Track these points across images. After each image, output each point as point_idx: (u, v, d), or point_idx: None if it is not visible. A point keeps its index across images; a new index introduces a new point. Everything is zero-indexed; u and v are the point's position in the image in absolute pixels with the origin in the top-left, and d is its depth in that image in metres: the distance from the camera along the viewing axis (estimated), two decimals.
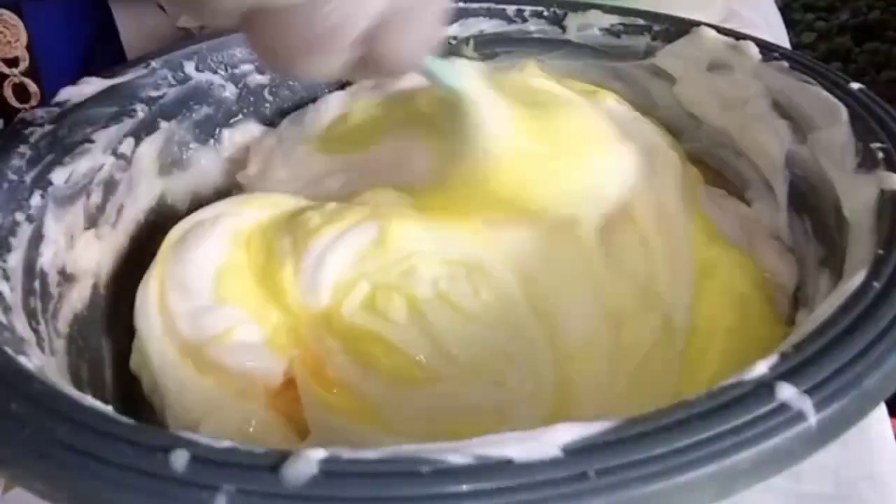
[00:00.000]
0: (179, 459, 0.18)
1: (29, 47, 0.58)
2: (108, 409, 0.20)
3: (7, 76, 0.58)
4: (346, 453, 0.18)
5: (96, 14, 0.61)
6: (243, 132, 0.42)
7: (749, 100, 0.36)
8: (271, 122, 0.43)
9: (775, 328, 0.30)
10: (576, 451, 0.18)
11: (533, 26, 0.43)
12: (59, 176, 0.32)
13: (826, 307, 0.23)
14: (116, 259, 0.35)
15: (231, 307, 0.30)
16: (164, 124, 0.38)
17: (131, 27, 0.61)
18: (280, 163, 0.39)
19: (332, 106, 0.40)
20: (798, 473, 0.31)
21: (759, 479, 0.19)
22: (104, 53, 0.61)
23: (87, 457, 0.18)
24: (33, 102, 0.53)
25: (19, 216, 0.30)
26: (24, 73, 0.58)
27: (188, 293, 0.30)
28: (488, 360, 0.28)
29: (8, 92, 0.58)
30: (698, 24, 0.39)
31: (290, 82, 0.43)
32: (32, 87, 0.59)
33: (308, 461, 0.18)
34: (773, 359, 0.20)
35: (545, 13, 0.42)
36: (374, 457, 0.18)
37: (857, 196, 0.28)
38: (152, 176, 0.37)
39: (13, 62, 0.58)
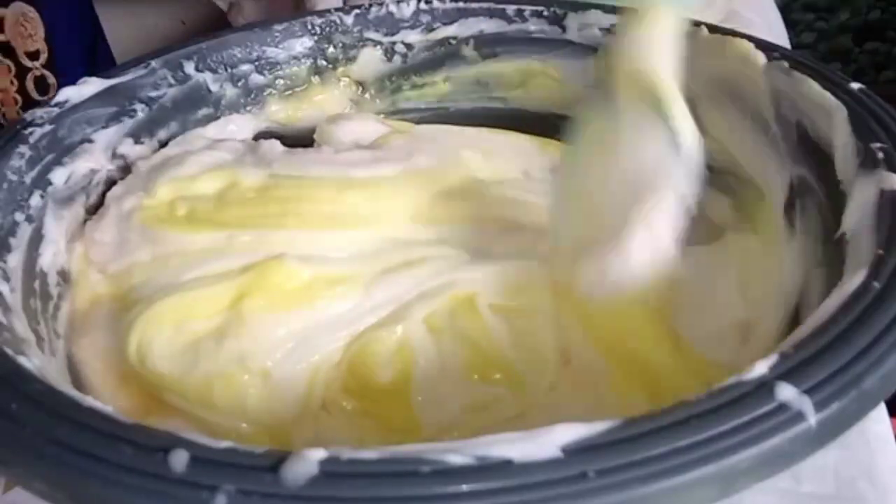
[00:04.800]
0: (179, 459, 0.18)
1: (47, 39, 0.62)
2: (108, 409, 0.20)
3: (29, 69, 0.62)
4: (346, 453, 0.18)
5: (94, 12, 0.64)
6: (242, 132, 0.42)
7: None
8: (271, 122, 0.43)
9: None
10: (575, 451, 0.18)
11: (533, 26, 0.43)
12: (58, 176, 0.32)
13: (826, 307, 0.22)
14: None
15: None
16: (163, 124, 0.38)
17: (116, 26, 0.65)
18: None
19: None
20: (798, 473, 0.31)
21: (759, 479, 0.19)
22: (104, 49, 0.65)
23: (87, 457, 0.18)
24: (52, 94, 0.59)
25: (19, 216, 0.30)
26: (44, 66, 0.62)
27: None
28: None
29: (30, 85, 0.62)
30: (698, 24, 0.39)
31: (296, 87, 0.43)
32: (51, 78, 0.63)
33: (308, 461, 0.18)
34: (772, 359, 0.20)
35: (545, 13, 0.42)
36: (374, 457, 0.18)
37: (857, 196, 0.28)
38: None
39: (34, 55, 0.62)
